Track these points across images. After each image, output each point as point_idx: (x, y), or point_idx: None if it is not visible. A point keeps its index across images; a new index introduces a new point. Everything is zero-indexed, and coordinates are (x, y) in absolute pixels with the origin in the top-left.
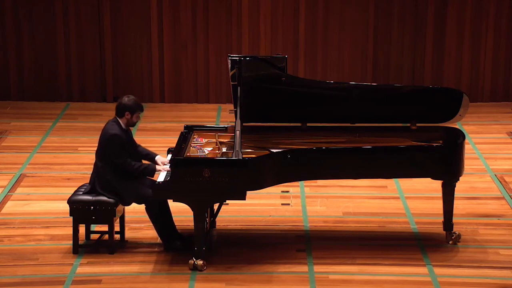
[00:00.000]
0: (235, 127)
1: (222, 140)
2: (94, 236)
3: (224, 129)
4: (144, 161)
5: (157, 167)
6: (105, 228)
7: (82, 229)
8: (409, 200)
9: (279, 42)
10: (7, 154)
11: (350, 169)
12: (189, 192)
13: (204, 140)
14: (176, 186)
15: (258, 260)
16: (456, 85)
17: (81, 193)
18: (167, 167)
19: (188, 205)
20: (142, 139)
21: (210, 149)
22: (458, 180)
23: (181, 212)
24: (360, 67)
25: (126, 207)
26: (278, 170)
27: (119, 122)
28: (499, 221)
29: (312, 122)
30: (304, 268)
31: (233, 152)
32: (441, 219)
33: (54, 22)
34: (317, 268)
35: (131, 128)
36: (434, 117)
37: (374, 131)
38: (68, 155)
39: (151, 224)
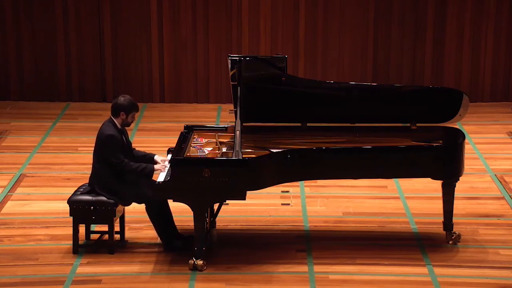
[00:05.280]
0: (235, 127)
1: (222, 140)
2: (94, 236)
3: (224, 129)
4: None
5: (156, 166)
6: (105, 228)
7: (82, 229)
8: (409, 200)
9: (279, 42)
10: (7, 154)
11: (350, 169)
12: (189, 192)
13: (204, 140)
14: (176, 186)
15: (258, 260)
16: (456, 85)
17: (80, 193)
18: (165, 164)
19: (188, 205)
20: (142, 139)
21: (210, 149)
22: (458, 180)
23: (181, 212)
24: (360, 67)
25: (126, 207)
26: (278, 170)
27: (114, 122)
28: (499, 221)
29: (312, 122)
30: (304, 268)
31: (233, 152)
32: (441, 219)
33: (54, 22)
34: (317, 268)
35: (129, 128)
36: (434, 117)
37: (374, 131)
38: (68, 155)
39: (151, 224)
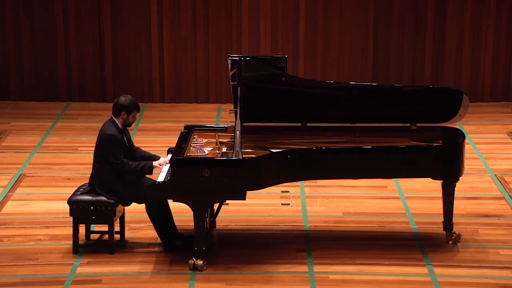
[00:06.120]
0: (235, 127)
1: (222, 140)
2: (94, 236)
3: (224, 129)
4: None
5: (154, 163)
6: (105, 228)
7: (82, 229)
8: (409, 200)
9: (279, 42)
10: (7, 154)
11: (350, 169)
12: (189, 192)
13: (204, 140)
14: (176, 186)
15: (258, 260)
16: (456, 85)
17: (80, 193)
18: (164, 162)
19: (188, 205)
20: (142, 139)
21: (210, 149)
22: (458, 180)
23: (181, 212)
24: (360, 67)
25: (126, 207)
26: (278, 170)
27: (115, 122)
28: (499, 221)
29: (312, 122)
30: (304, 268)
31: (233, 152)
32: (441, 219)
33: (54, 22)
34: (317, 268)
35: (129, 128)
36: (434, 117)
37: (374, 131)
38: (68, 155)
39: (151, 224)
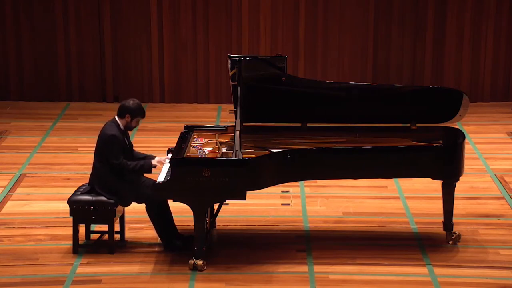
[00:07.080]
0: (235, 127)
1: (222, 140)
2: (94, 236)
3: (224, 129)
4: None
5: (153, 161)
6: (105, 228)
7: (82, 229)
8: (409, 200)
9: (279, 42)
10: (7, 154)
11: (350, 169)
12: (189, 192)
13: (204, 140)
14: (176, 186)
15: (258, 260)
16: (456, 85)
17: (80, 193)
18: (163, 159)
19: (188, 205)
20: (142, 139)
21: (210, 149)
22: (458, 180)
23: (181, 212)
24: (360, 67)
25: (126, 207)
26: (278, 170)
27: (118, 123)
28: (499, 221)
29: (312, 122)
30: (304, 268)
31: (233, 152)
32: (441, 219)
33: (54, 22)
34: (317, 268)
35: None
36: (434, 117)
37: (374, 131)
38: (68, 155)
39: (151, 224)
